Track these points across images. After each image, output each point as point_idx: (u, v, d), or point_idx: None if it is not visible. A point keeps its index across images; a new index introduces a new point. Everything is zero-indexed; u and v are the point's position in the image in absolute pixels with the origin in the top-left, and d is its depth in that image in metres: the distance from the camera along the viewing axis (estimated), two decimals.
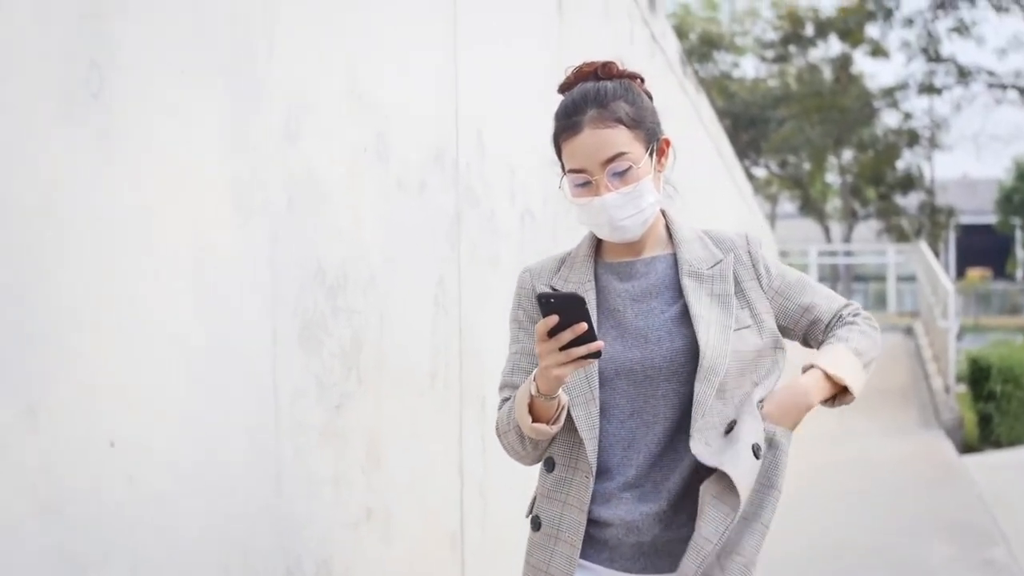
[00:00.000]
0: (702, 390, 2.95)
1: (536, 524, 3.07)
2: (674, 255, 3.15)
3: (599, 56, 3.14)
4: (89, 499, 2.37)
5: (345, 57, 3.50)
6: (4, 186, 2.12)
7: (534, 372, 2.88)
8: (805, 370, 3.09)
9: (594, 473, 2.98)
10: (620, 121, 3.00)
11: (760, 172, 52.77)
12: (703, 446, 2.92)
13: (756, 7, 51.88)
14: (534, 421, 2.94)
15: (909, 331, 27.59)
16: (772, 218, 51.02)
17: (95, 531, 2.39)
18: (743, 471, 2.89)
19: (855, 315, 3.24)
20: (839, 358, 3.10)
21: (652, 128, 3.07)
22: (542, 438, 2.98)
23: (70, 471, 2.31)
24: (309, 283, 3.27)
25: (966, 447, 17.48)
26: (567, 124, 3.02)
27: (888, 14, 44.09)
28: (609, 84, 3.05)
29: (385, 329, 3.74)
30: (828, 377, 3.06)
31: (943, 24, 44.20)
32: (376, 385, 3.68)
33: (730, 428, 2.97)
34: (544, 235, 5.43)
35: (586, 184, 3.00)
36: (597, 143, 2.98)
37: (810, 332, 3.22)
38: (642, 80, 3.15)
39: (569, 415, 3.00)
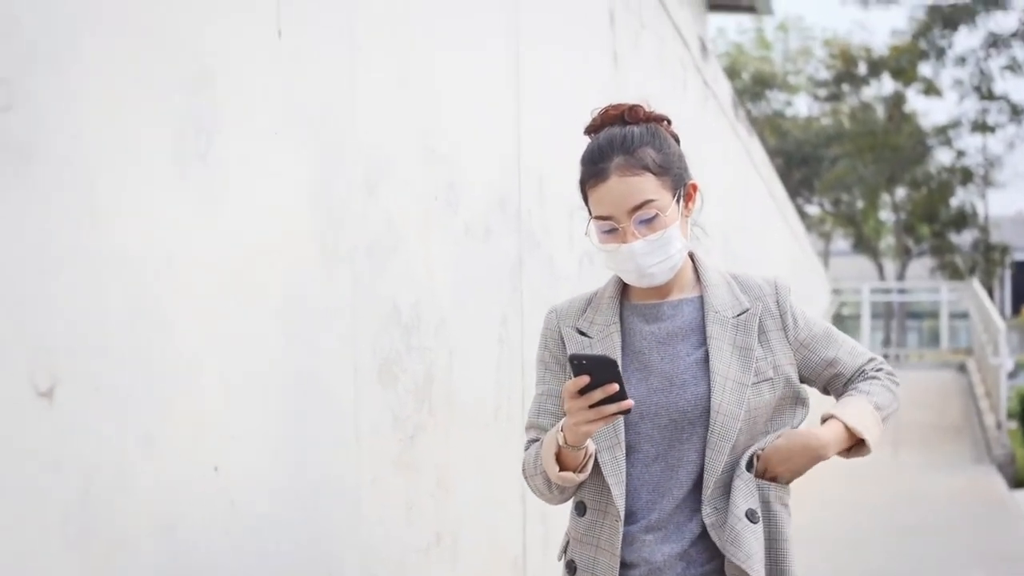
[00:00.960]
0: (712, 457, 2.96)
1: (572, 568, 3.08)
2: (701, 298, 3.12)
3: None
4: (196, 520, 2.64)
5: (419, 115, 3.77)
6: (131, 239, 2.40)
7: (561, 423, 2.88)
8: (824, 420, 3.08)
9: (622, 518, 2.98)
10: (647, 168, 2.97)
11: (813, 210, 52.72)
12: (712, 512, 2.96)
13: (809, 46, 51.99)
14: (561, 469, 2.94)
15: (962, 368, 27.63)
16: (825, 255, 50.96)
17: (203, 550, 2.66)
18: (747, 550, 2.92)
19: (878, 370, 3.21)
20: (859, 411, 3.08)
21: (679, 174, 3.05)
22: (569, 485, 2.98)
23: (180, 494, 2.58)
24: (386, 324, 3.53)
25: (1017, 482, 17.60)
26: (593, 171, 3.00)
27: (941, 53, 44.07)
28: (636, 129, 3.03)
29: (454, 366, 4.00)
30: (847, 429, 3.04)
31: (996, 62, 44.16)
32: (446, 418, 3.94)
33: (751, 514, 2.97)
34: (602, 278, 5.66)
35: (612, 231, 2.98)
36: (624, 191, 2.95)
37: (831, 384, 3.19)
38: (669, 122, 3.13)
39: (596, 458, 2.99)
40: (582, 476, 2.94)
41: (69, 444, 2.23)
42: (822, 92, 50.96)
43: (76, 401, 2.25)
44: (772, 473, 3.01)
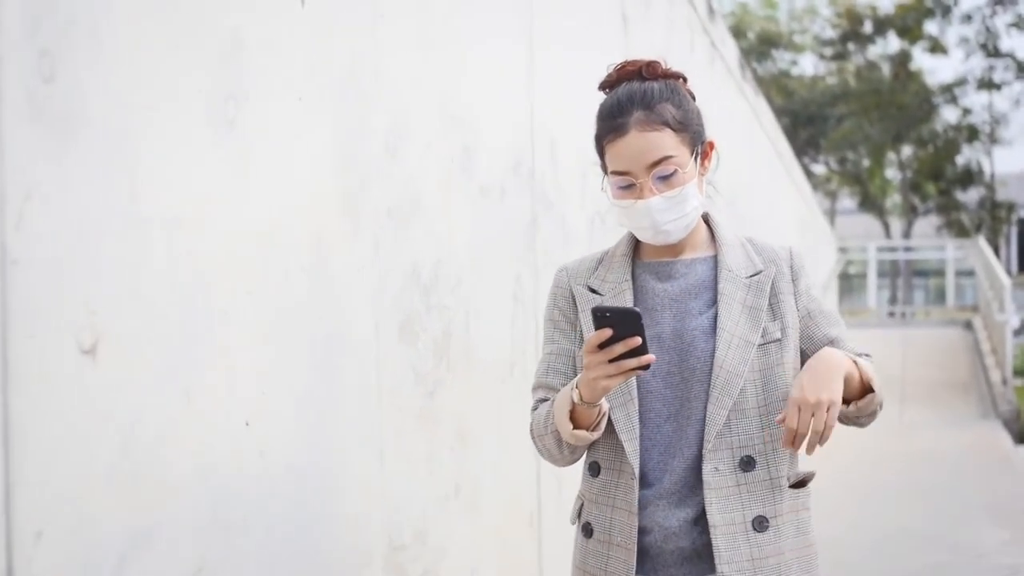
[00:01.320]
0: (713, 411, 2.92)
1: (588, 531, 3.06)
2: (715, 257, 3.09)
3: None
4: (230, 470, 2.75)
5: (438, 80, 3.87)
6: (167, 203, 2.51)
7: (576, 379, 2.86)
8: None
9: (637, 475, 2.94)
10: (666, 124, 2.93)
11: (819, 169, 52.67)
12: (712, 472, 2.91)
13: (814, 5, 51.77)
14: (575, 427, 2.91)
15: (968, 325, 27.69)
16: (832, 214, 50.97)
17: (237, 498, 2.78)
18: (759, 565, 2.90)
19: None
20: (863, 363, 2.97)
21: (697, 131, 3.01)
22: (582, 444, 2.95)
23: (215, 446, 2.70)
24: (407, 283, 3.64)
25: (1023, 437, 17.74)
26: (612, 125, 2.96)
27: (946, 10, 44.05)
28: (655, 85, 2.99)
29: (471, 323, 4.11)
30: (855, 364, 2.93)
31: (1002, 20, 44.28)
32: (464, 374, 4.05)
33: (746, 462, 2.93)
34: (612, 237, 5.78)
35: (629, 187, 2.94)
36: (643, 146, 2.91)
37: (792, 359, 3.05)
38: (685, 80, 3.09)
39: (608, 418, 2.96)
40: (596, 434, 2.91)
41: (112, 399, 2.34)
42: (828, 51, 50.85)
43: (118, 358, 2.36)
44: (816, 401, 2.76)
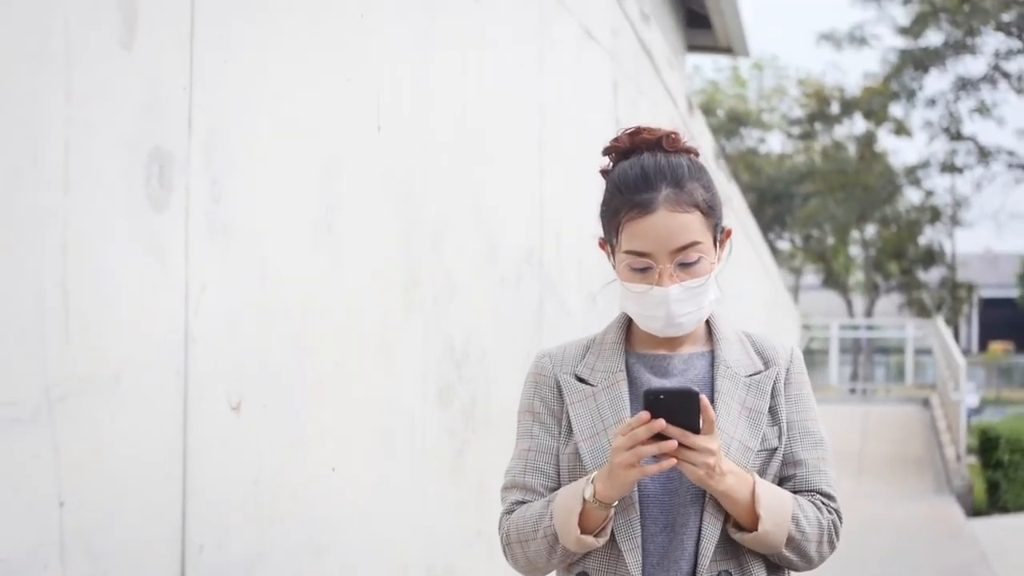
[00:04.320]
0: (708, 523, 2.71)
1: None
2: (712, 353, 2.85)
3: None
4: (322, 506, 3.45)
5: (470, 189, 4.60)
6: (285, 292, 3.22)
7: (590, 476, 2.65)
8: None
9: None
10: (696, 206, 2.71)
11: (785, 245, 53.52)
12: None
13: (783, 85, 52.79)
14: (581, 532, 2.66)
15: (926, 403, 28.46)
16: (796, 290, 51.69)
17: (328, 528, 3.47)
18: None
19: (830, 510, 2.80)
20: (779, 501, 2.71)
21: (721, 215, 2.82)
22: (583, 551, 2.72)
23: (312, 486, 3.39)
24: (445, 357, 4.35)
25: (975, 511, 18.51)
26: (636, 201, 2.70)
27: (911, 95, 44.82)
28: (683, 161, 2.76)
29: (492, 391, 4.82)
30: (753, 496, 2.67)
31: (965, 105, 44.93)
32: (485, 435, 4.75)
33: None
34: (606, 318, 6.51)
35: (646, 270, 2.71)
36: (671, 228, 2.67)
37: (776, 478, 2.82)
38: (697, 155, 2.85)
39: None
40: (602, 540, 2.68)
41: (248, 444, 3.05)
42: (795, 130, 51.79)
43: (252, 413, 3.06)
44: (708, 462, 2.56)
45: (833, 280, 53.53)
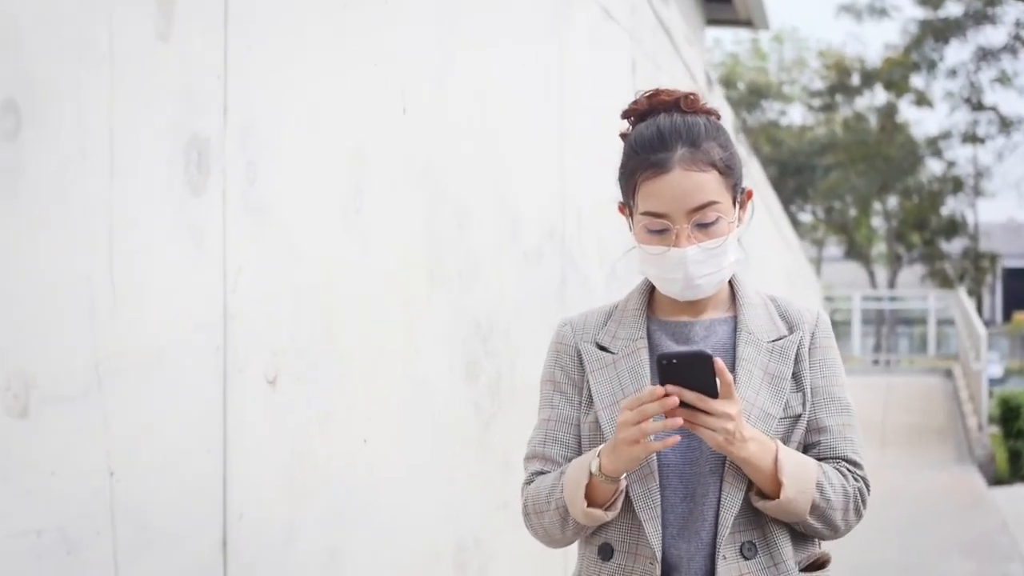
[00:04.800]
0: (728, 492, 2.66)
1: None
2: (735, 318, 2.79)
3: None
4: (351, 474, 3.58)
5: (493, 168, 4.72)
6: (316, 271, 3.35)
7: (598, 449, 2.63)
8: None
9: (659, 559, 2.65)
10: (713, 165, 2.65)
11: (806, 217, 53.49)
12: (721, 561, 2.66)
13: (804, 57, 52.81)
14: (589, 505, 2.64)
15: (948, 373, 28.58)
16: (818, 262, 51.73)
17: (354, 501, 3.60)
18: None
19: (856, 477, 2.75)
20: (802, 468, 2.65)
21: (740, 176, 2.77)
22: (593, 524, 2.69)
23: (343, 457, 3.52)
24: (470, 333, 4.47)
25: (996, 480, 18.65)
26: (651, 160, 2.65)
27: (932, 65, 44.84)
28: (700, 120, 2.71)
29: (516, 366, 4.95)
30: (776, 460, 2.61)
31: (986, 75, 44.92)
32: (510, 409, 4.87)
33: (747, 548, 2.68)
34: (626, 291, 6.63)
35: (663, 231, 2.66)
36: (687, 188, 2.62)
37: (802, 444, 2.77)
38: (719, 116, 2.82)
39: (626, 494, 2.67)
40: (611, 514, 2.66)
41: (283, 417, 3.18)
42: (816, 102, 51.84)
43: (287, 387, 3.19)
44: (726, 428, 2.52)
45: (855, 252, 53.51)
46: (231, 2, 2.90)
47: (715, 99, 11.19)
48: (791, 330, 2.79)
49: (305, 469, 3.28)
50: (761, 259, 16.53)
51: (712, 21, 23.01)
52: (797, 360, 2.75)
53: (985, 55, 44.32)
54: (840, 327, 39.38)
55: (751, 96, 51.12)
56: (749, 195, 2.83)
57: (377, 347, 3.73)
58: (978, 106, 45.88)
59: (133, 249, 2.55)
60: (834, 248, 58.56)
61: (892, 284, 51.26)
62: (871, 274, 53.78)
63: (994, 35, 64.70)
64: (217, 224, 2.86)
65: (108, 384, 2.47)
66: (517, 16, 5.07)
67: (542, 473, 2.87)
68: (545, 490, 2.79)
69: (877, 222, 54.38)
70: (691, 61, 9.41)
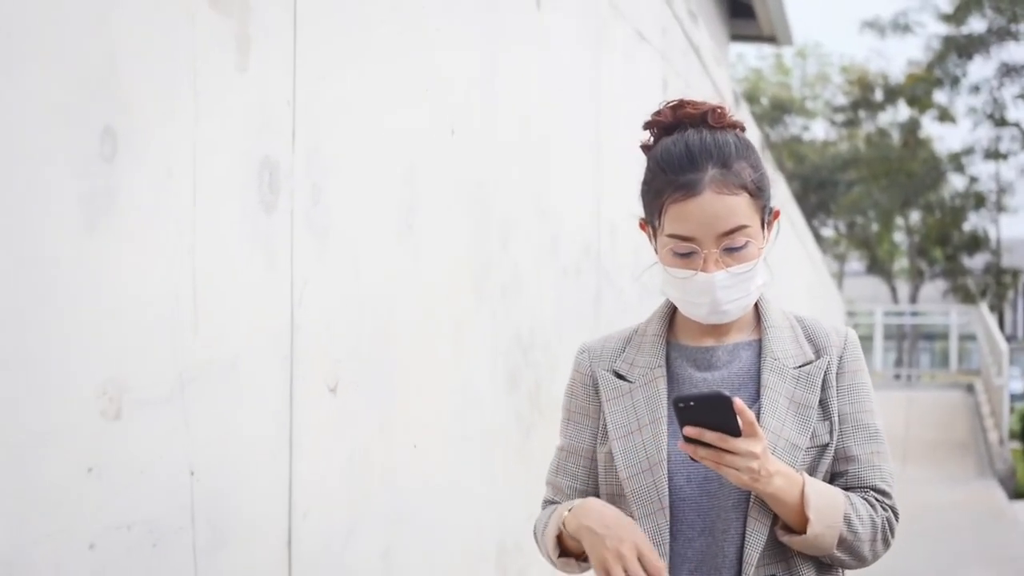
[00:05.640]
0: (753, 528, 2.56)
1: None
2: (760, 342, 2.69)
3: None
4: (405, 481, 3.76)
5: (534, 187, 4.92)
6: (373, 284, 3.54)
7: (574, 505, 2.63)
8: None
9: None
10: (744, 187, 2.55)
11: (829, 232, 53.50)
12: None
13: (827, 72, 52.82)
14: (561, 554, 2.66)
15: (970, 388, 28.67)
16: (840, 276, 51.72)
17: (409, 501, 3.79)
18: None
19: (885, 507, 2.67)
20: (831, 501, 2.55)
21: (769, 197, 2.66)
22: (568, 573, 2.70)
23: (396, 460, 3.71)
24: (512, 344, 4.66)
25: (1016, 494, 18.78)
26: (681, 182, 2.54)
27: (955, 81, 44.86)
28: (730, 138, 2.60)
29: (555, 377, 5.13)
30: (802, 494, 2.51)
31: (1008, 91, 44.90)
32: (549, 418, 5.05)
33: None
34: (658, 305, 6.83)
35: (689, 255, 2.56)
36: (718, 211, 2.51)
37: (828, 475, 2.67)
38: (744, 130, 2.73)
39: None
40: (585, 567, 2.65)
41: (343, 422, 3.37)
42: (839, 117, 51.83)
43: (347, 395, 3.38)
44: (753, 468, 2.44)
45: (878, 267, 53.48)
46: (299, 37, 3.10)
47: (742, 118, 11.35)
48: (818, 355, 2.68)
49: (362, 472, 3.47)
50: (785, 275, 16.69)
51: (736, 37, 23.15)
52: (824, 387, 2.64)
53: (1008, 71, 44.33)
54: (862, 342, 39.16)
55: (774, 111, 51.20)
56: (776, 215, 2.72)
57: (428, 357, 3.91)
58: (1001, 122, 45.86)
59: (213, 265, 2.74)
60: (856, 263, 58.55)
61: (914, 299, 51.18)
62: (893, 289, 53.71)
63: (1017, 51, 64.99)
64: (285, 242, 3.05)
65: (190, 390, 2.66)
66: (558, 42, 5.27)
67: (552, 502, 2.87)
68: (542, 524, 2.79)
69: (899, 237, 54.36)
70: (719, 80, 9.61)
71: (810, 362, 2.65)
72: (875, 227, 52.16)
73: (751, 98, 48.41)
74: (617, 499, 2.69)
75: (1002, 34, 43.05)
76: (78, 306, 2.33)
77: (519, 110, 4.74)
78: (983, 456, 21.20)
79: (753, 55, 54.34)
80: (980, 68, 63.14)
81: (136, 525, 2.50)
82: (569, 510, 2.63)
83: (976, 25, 43.50)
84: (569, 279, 5.36)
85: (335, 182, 3.30)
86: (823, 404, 2.63)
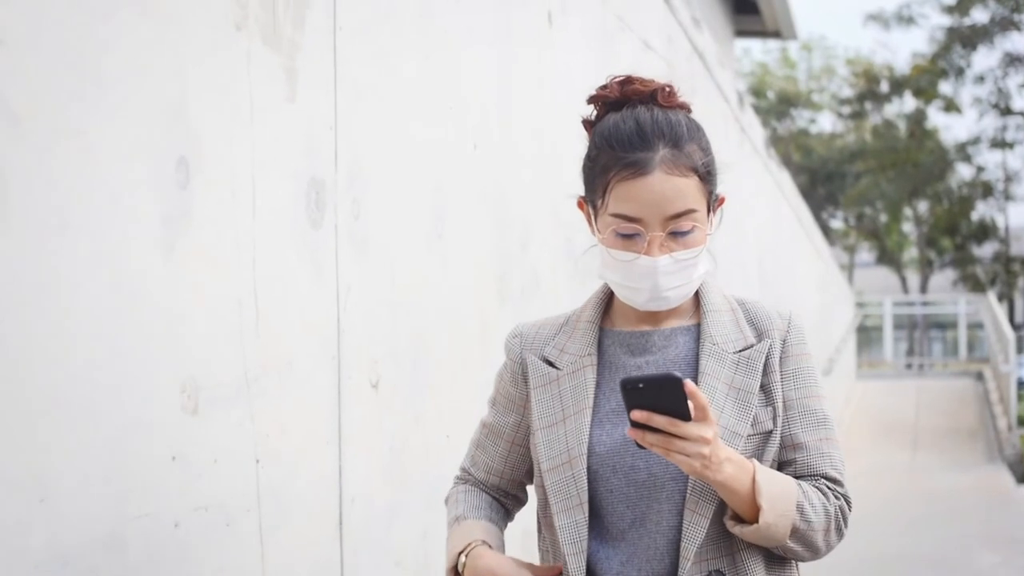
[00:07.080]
0: (691, 521, 2.42)
1: None
2: (698, 326, 2.55)
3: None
4: (440, 468, 4.08)
5: (551, 193, 5.25)
6: (406, 288, 3.88)
7: (477, 545, 2.66)
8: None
9: None
10: (694, 170, 2.42)
11: (838, 224, 53.62)
12: None
13: (832, 65, 52.99)
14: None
15: (979, 376, 28.86)
16: (850, 268, 51.85)
17: (443, 488, 4.12)
18: None
19: (836, 495, 2.50)
20: (782, 489, 2.41)
21: (716, 183, 2.52)
22: None
23: (430, 449, 4.03)
24: None
25: None
26: (630, 160, 2.42)
27: (960, 72, 44.89)
28: (682, 118, 2.50)
29: None
30: (754, 482, 2.36)
31: (1013, 81, 44.96)
32: None
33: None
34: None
35: (633, 236, 2.43)
36: (667, 193, 2.38)
37: (776, 463, 2.52)
38: (690, 111, 2.60)
39: (554, 520, 2.53)
40: None
41: (384, 416, 3.70)
42: (845, 110, 51.83)
43: (386, 391, 3.71)
44: (702, 452, 2.28)
45: (887, 257, 53.58)
46: (339, 69, 3.43)
47: (747, 117, 11.67)
48: (759, 338, 2.53)
49: (403, 461, 3.81)
50: (793, 270, 16.98)
51: (741, 32, 23.41)
52: (767, 371, 2.51)
53: (1012, 61, 44.37)
54: (872, 332, 39.62)
55: (781, 105, 51.29)
56: (721, 202, 2.56)
57: (458, 355, 4.25)
58: (1006, 111, 45.89)
59: (271, 275, 3.08)
60: (866, 254, 58.64)
61: (924, 289, 51.23)
62: (903, 279, 53.83)
63: (1020, 41, 64.97)
64: (331, 252, 3.39)
65: (254, 387, 3.00)
66: (567, 57, 5.59)
67: (467, 473, 2.93)
68: (451, 517, 2.83)
69: (908, 228, 54.43)
70: (723, 82, 9.92)
71: (751, 346, 2.51)
72: (884, 218, 52.26)
73: (758, 92, 48.62)
74: None
75: (1005, 24, 43.13)
76: (162, 315, 2.67)
77: (533, 123, 5.07)
78: (992, 442, 21.37)
79: (759, 49, 54.72)
80: (984, 58, 63.25)
81: (212, 507, 2.84)
82: (464, 552, 2.64)
83: (979, 16, 43.64)
84: (583, 279, 5.68)
85: (372, 197, 3.63)
86: (765, 389, 2.49)
